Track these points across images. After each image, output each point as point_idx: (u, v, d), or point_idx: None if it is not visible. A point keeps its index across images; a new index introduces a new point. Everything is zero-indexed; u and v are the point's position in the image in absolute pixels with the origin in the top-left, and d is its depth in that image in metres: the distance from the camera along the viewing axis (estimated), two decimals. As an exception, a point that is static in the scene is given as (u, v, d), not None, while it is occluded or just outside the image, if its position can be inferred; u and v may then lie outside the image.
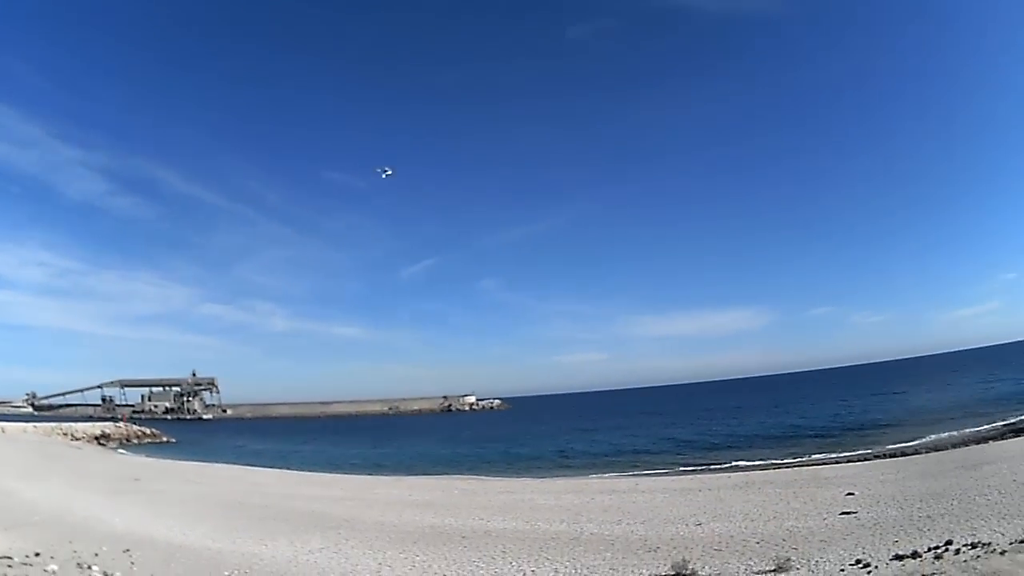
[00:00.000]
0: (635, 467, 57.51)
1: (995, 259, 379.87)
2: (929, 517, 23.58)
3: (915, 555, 18.65)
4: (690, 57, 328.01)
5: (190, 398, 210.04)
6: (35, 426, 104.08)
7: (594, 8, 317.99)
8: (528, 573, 20.72)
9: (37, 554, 19.71)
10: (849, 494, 29.96)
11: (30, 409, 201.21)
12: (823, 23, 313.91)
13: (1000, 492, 25.55)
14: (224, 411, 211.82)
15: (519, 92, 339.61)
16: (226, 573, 20.66)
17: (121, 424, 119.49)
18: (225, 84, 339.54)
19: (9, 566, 18.07)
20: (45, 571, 18.11)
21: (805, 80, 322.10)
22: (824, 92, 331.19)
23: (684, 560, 19.41)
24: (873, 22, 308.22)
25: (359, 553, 23.95)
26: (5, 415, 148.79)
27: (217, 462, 68.72)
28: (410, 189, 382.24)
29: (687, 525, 26.70)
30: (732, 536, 23.98)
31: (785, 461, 53.14)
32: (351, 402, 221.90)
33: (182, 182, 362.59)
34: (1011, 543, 17.91)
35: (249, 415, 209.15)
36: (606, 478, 51.06)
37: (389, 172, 53.06)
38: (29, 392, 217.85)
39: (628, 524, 27.58)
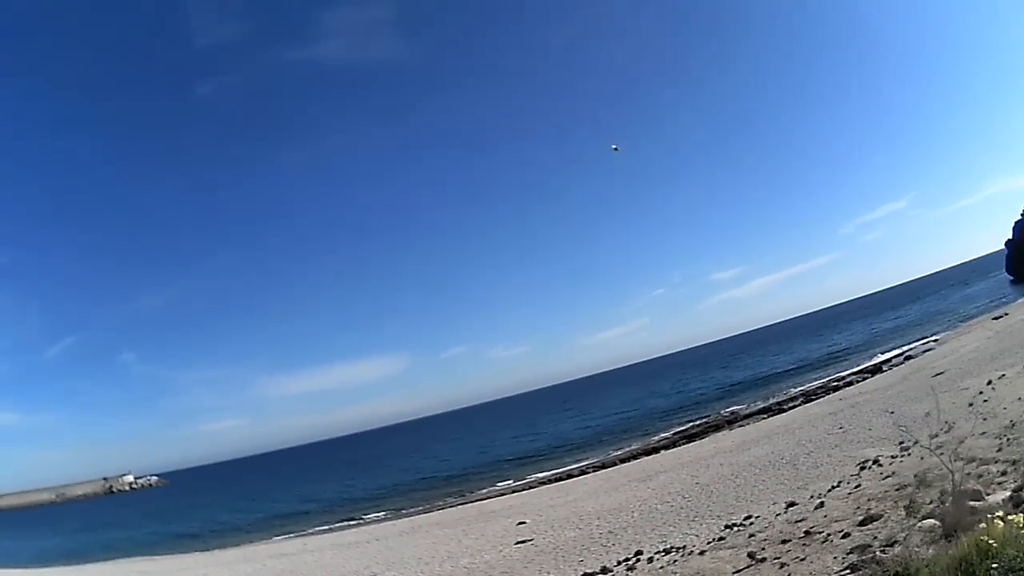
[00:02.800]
0: (295, 528, 57.22)
1: (643, 278, 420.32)
2: (611, 532, 23.89)
3: (604, 571, 18.70)
4: (316, 105, 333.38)
5: None
6: None
7: (219, 65, 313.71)
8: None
9: None
10: (521, 523, 30.25)
11: None
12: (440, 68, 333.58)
13: (684, 497, 26.40)
14: None
15: (144, 155, 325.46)
16: None
17: None
18: None
19: None
20: None
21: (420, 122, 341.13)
22: (439, 132, 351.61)
23: (362, 614, 19.44)
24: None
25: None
26: None
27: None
28: (49, 264, 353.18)
29: (359, 580, 26.92)
30: (410, 583, 23.94)
31: (448, 501, 53.57)
32: (20, 493, 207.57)
33: None
34: (708, 542, 18.19)
35: None
36: (273, 542, 50.85)
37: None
38: None
39: (302, 588, 27.35)
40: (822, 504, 17.60)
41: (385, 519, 50.86)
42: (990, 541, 6.72)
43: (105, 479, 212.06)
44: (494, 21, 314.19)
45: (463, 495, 54.85)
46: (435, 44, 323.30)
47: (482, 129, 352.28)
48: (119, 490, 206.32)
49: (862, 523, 14.43)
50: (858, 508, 15.99)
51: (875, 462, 20.75)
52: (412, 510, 52.90)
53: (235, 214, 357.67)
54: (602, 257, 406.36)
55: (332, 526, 54.20)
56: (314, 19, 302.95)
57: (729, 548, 16.56)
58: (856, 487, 18.43)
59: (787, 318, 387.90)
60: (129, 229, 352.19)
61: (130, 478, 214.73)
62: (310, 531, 53.97)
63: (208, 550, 52.72)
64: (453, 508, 47.65)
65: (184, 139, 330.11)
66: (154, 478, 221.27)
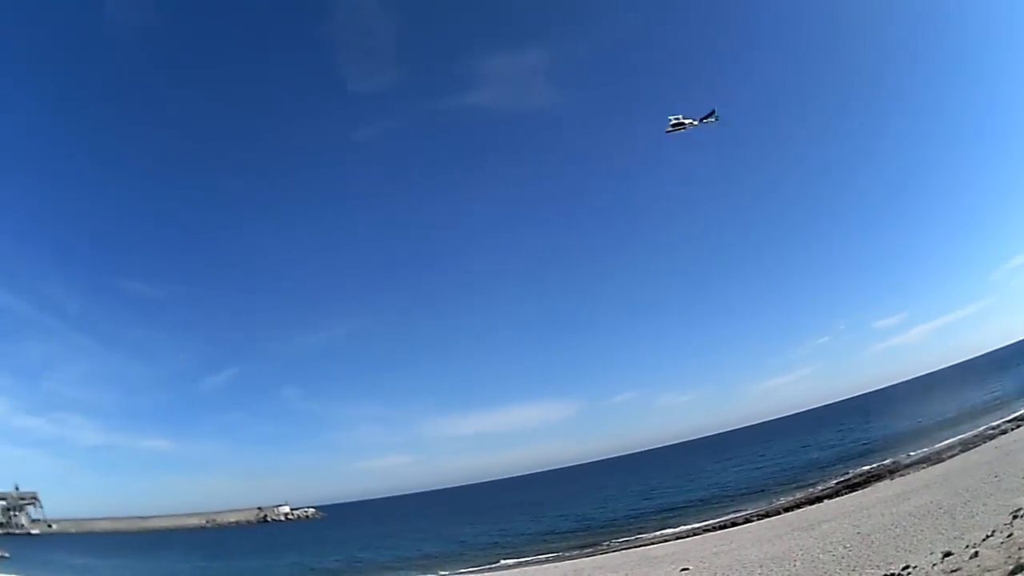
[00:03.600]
0: (457, 566, 58.01)
1: (806, 325, 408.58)
2: None
3: None
4: (473, 153, 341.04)
5: (16, 512, 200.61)
6: None
7: (378, 110, 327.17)
8: None
9: None
10: (684, 569, 30.06)
11: None
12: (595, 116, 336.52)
13: (845, 547, 26.29)
14: (49, 526, 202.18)
15: (306, 198, 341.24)
16: None
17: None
18: (17, 187, 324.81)
19: None
20: None
21: (579, 171, 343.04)
22: (598, 180, 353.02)
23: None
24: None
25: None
26: None
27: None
28: (207, 299, 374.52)
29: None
30: (569, 629, 23.88)
31: (611, 545, 53.81)
32: (169, 516, 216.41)
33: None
34: None
35: (73, 530, 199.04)
36: None
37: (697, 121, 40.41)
38: None
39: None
40: (976, 554, 17.73)
41: (547, 561, 51.15)
42: None
43: (260, 508, 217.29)
44: (648, 68, 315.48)
45: (626, 540, 54.89)
46: (590, 91, 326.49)
47: (638, 176, 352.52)
48: (274, 520, 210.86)
49: (1013, 572, 14.76)
50: (1009, 557, 16.25)
51: (1028, 510, 20.58)
52: (574, 553, 53.17)
53: (398, 256, 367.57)
54: (768, 305, 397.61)
55: (492, 566, 55.23)
56: (469, 68, 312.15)
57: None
58: (1008, 536, 18.50)
59: (948, 364, 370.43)
60: (293, 268, 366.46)
61: (286, 509, 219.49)
62: (463, 571, 54.73)
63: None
64: (616, 552, 47.74)
65: (345, 183, 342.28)
66: (311, 510, 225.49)
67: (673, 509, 69.75)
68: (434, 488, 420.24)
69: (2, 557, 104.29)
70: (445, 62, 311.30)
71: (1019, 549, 16.46)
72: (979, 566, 16.60)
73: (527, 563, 52.28)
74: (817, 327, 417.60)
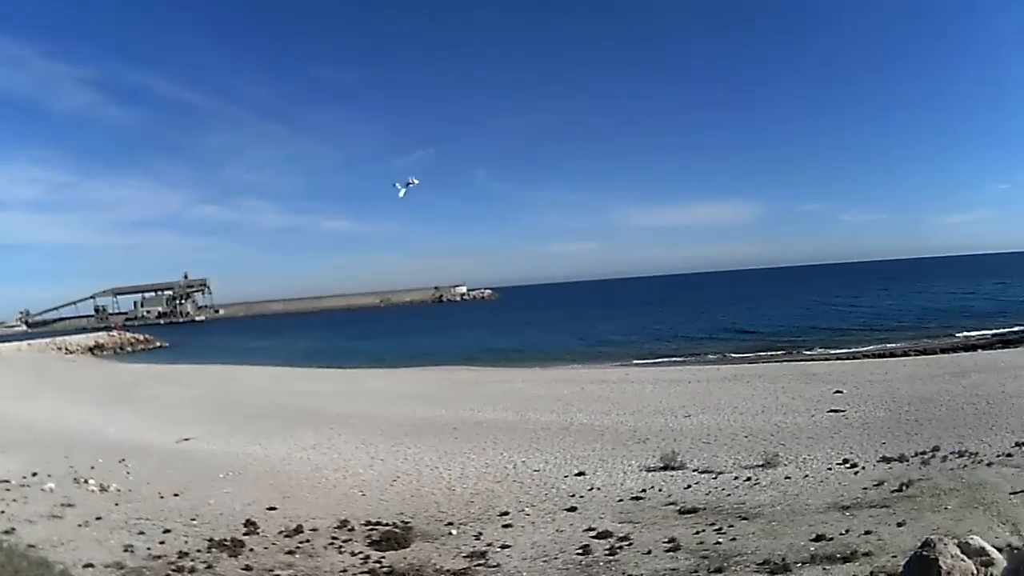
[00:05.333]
0: (622, 357, 59.24)
1: (988, 167, 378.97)
2: (916, 421, 24.22)
3: (902, 459, 19.21)
4: None
5: (182, 301, 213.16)
6: (29, 344, 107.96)
7: None
8: (518, 464, 21.34)
9: (34, 474, 20.26)
10: (837, 392, 30.39)
11: (24, 327, 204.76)
12: None
13: (988, 402, 26.13)
14: (217, 311, 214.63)
15: None
16: (220, 475, 21.27)
17: (115, 333, 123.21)
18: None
19: (7, 489, 18.47)
20: (43, 490, 18.60)
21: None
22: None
23: (673, 452, 20.04)
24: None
25: (352, 448, 25.08)
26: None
27: (211, 363, 70.79)
28: (401, 84, 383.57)
29: (676, 416, 27.43)
30: (721, 429, 24.50)
31: (772, 355, 54.65)
32: (343, 296, 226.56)
33: (169, 86, 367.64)
34: (998, 455, 18.64)
35: (243, 314, 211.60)
36: (596, 368, 52.08)
37: (413, 183, 42.99)
38: (22, 310, 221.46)
39: (618, 415, 28.50)
40: None
41: (708, 363, 51.53)
42: None
43: (436, 288, 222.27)
44: None
45: (786, 353, 55.53)
46: None
47: None
48: (449, 299, 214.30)
49: None
50: None
51: None
52: (736, 358, 54.28)
53: (598, 51, 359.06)
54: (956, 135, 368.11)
55: (658, 360, 56.13)
56: None
57: (1014, 467, 16.85)
58: None
59: None
60: (492, 57, 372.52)
61: (463, 289, 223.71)
62: (633, 363, 54.99)
63: (528, 367, 55.38)
64: (777, 363, 47.49)
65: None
66: (487, 291, 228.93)
67: (836, 329, 69.60)
68: (610, 277, 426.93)
69: (161, 347, 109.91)
70: None
71: None
72: None
73: (689, 364, 52.47)
74: (999, 170, 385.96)
